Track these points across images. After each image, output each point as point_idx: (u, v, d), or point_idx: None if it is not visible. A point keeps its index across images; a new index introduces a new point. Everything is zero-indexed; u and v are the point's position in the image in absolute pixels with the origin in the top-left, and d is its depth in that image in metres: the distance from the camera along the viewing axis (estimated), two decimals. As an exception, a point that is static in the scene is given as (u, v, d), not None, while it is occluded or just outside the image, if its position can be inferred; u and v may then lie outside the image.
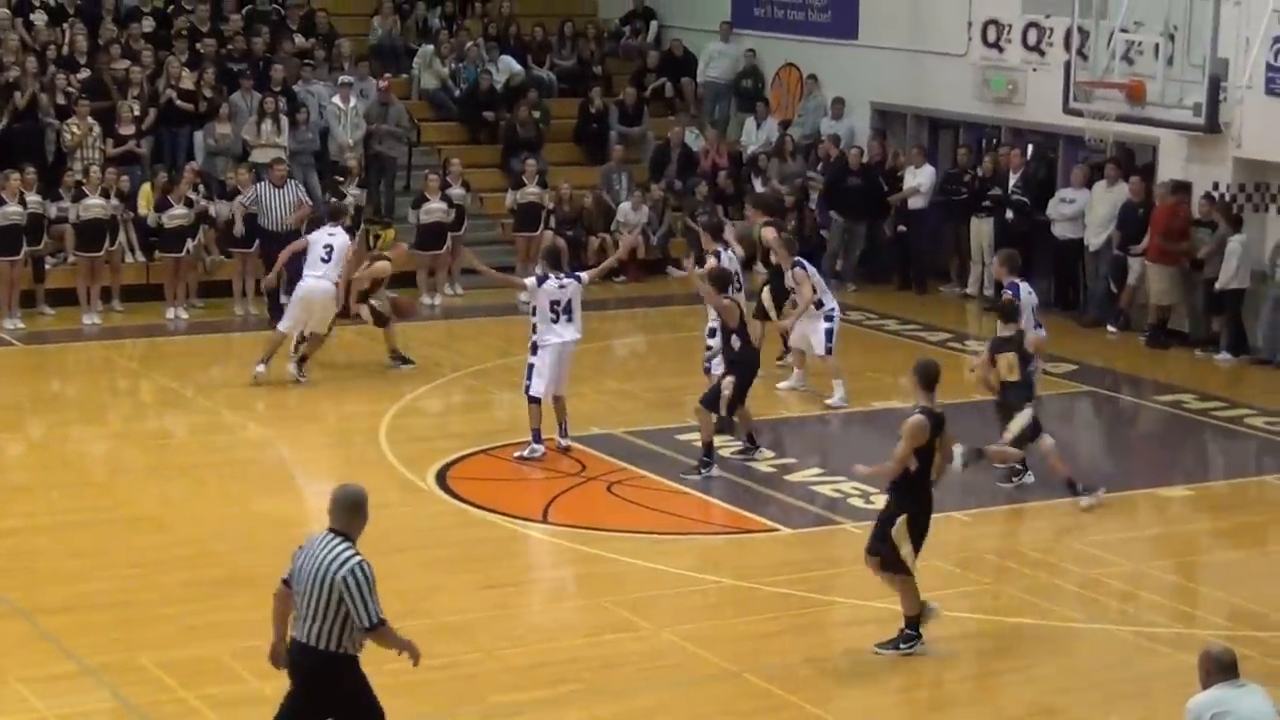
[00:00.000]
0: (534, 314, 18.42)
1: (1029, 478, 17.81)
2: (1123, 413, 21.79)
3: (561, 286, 18.27)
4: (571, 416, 18.90)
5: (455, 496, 17.35)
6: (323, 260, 20.94)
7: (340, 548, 9.99)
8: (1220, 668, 9.69)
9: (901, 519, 13.47)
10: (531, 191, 26.99)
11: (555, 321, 18.21)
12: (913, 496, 13.50)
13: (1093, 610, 14.87)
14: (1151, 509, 17.77)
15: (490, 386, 21.65)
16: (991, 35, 27.20)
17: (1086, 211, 25.25)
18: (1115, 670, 13.61)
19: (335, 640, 10.03)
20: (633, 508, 17.39)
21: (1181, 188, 24.05)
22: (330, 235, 21.16)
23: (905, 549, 13.45)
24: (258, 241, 24.49)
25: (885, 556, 13.55)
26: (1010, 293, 18.28)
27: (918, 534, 13.50)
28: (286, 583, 10.24)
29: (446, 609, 14.47)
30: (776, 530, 16.64)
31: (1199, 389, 21.85)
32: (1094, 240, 25.19)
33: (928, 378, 13.56)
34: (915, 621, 13.63)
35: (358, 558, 9.98)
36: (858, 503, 17.19)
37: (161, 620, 14.02)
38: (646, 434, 19.46)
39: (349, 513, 10.14)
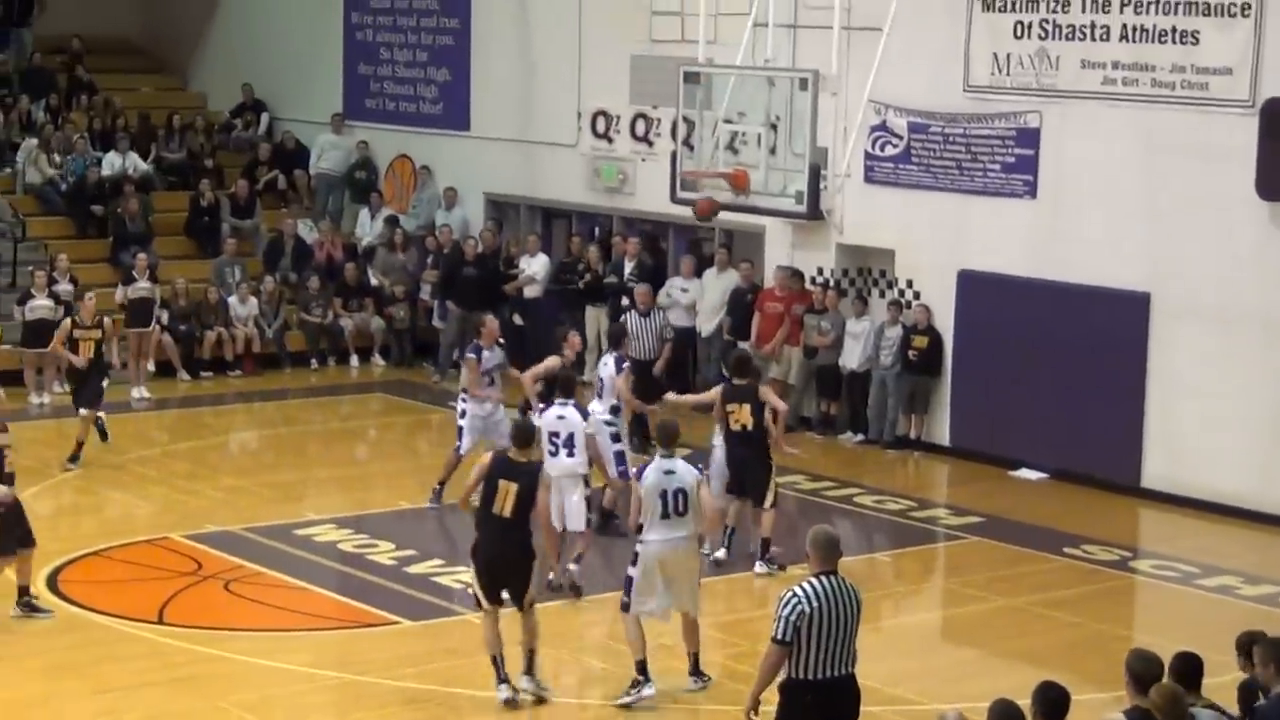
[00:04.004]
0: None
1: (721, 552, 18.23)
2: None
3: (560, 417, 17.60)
4: (186, 514, 18.51)
5: (67, 600, 16.89)
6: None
7: (849, 582, 11.26)
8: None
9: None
10: (143, 286, 26.49)
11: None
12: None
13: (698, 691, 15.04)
14: (769, 589, 18.05)
15: (101, 486, 21.18)
16: (601, 126, 27.63)
17: (698, 299, 25.74)
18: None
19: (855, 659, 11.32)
20: (251, 605, 17.16)
21: (795, 274, 24.76)
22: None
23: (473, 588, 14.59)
24: None
25: None
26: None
27: (479, 572, 14.41)
28: (775, 640, 11.12)
29: (56, 717, 14.07)
30: (397, 623, 16.55)
31: (810, 470, 22.35)
32: (705, 326, 25.66)
33: (523, 438, 14.76)
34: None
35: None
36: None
37: None
38: (264, 530, 19.22)
39: (834, 551, 11.29)
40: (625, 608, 14.60)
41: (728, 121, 22.28)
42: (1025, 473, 22.60)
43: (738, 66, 22.65)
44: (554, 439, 17.41)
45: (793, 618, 11.02)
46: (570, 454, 17.28)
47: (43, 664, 15.24)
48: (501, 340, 20.82)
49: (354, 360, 28.63)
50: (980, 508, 21.14)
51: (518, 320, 26.99)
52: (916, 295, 23.92)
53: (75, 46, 32.77)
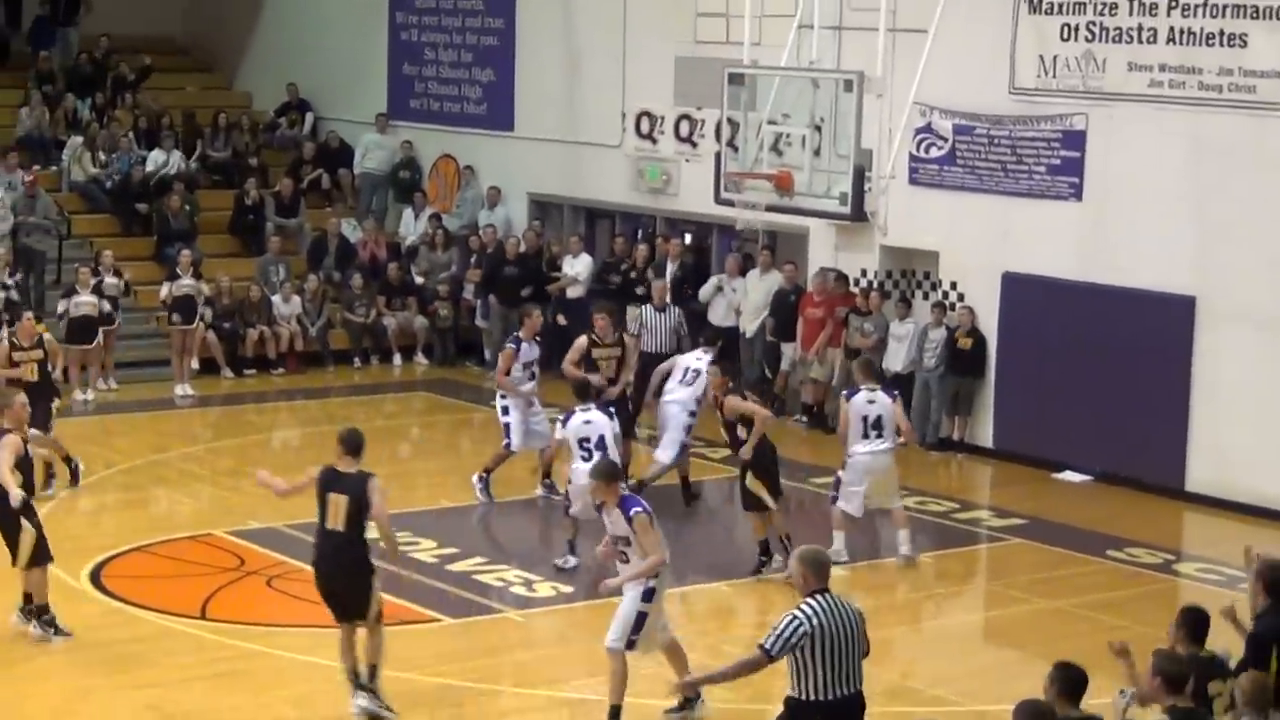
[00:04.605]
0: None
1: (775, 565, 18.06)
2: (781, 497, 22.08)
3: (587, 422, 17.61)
4: (229, 511, 18.54)
5: (110, 595, 16.96)
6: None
7: (844, 599, 11.21)
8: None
9: None
10: (187, 283, 26.58)
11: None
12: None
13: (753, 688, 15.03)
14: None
15: (145, 483, 21.26)
16: (645, 127, 27.64)
17: (741, 299, 25.73)
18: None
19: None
20: (294, 601, 17.16)
21: (840, 277, 24.73)
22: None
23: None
24: None
25: None
26: None
27: (318, 588, 14.17)
28: (767, 652, 11.00)
29: (100, 711, 14.15)
30: (438, 620, 16.57)
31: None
32: (748, 327, 25.65)
33: (352, 445, 14.21)
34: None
35: None
36: (520, 590, 17.24)
37: None
38: (306, 527, 19.15)
39: (826, 569, 11.25)
40: (633, 646, 13.77)
41: (772, 123, 22.23)
42: (1069, 475, 22.53)
43: (782, 68, 22.61)
44: (584, 444, 17.41)
45: (792, 638, 10.91)
46: (604, 456, 17.19)
47: (86, 658, 15.30)
48: (539, 337, 20.86)
49: (397, 359, 28.70)
50: (1023, 510, 21.08)
51: (561, 321, 26.97)
52: (961, 297, 23.87)
53: (104, 45, 32.79)
